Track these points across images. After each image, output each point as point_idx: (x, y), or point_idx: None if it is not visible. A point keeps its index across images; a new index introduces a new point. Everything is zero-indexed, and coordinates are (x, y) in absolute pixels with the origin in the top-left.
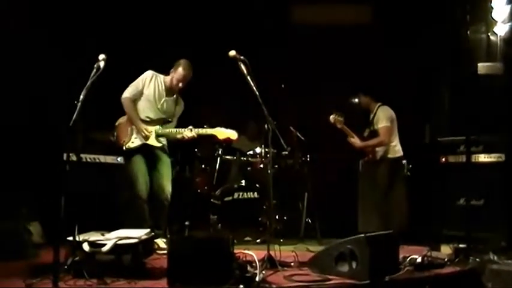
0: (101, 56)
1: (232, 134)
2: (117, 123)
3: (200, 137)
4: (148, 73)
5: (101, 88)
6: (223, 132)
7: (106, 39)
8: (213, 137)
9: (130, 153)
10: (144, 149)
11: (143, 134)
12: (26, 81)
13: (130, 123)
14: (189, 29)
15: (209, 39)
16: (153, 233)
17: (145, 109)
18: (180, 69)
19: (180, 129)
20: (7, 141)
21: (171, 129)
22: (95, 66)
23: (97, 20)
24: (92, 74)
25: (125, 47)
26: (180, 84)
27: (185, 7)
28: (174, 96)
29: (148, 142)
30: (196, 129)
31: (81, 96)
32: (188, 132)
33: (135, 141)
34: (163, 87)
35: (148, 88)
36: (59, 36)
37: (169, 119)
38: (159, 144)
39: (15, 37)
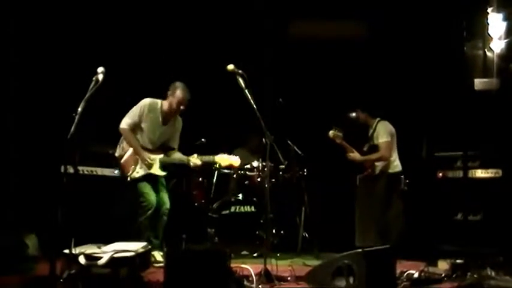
0: (100, 69)
1: (235, 161)
2: (122, 153)
3: (204, 163)
4: (146, 104)
5: (99, 101)
6: (226, 160)
7: (105, 52)
8: (216, 163)
9: (134, 182)
10: (147, 177)
11: (146, 163)
12: (24, 93)
13: (135, 153)
14: (189, 43)
15: (208, 54)
16: (149, 246)
17: (144, 140)
18: (179, 93)
19: (185, 157)
20: (4, 153)
21: (175, 157)
22: (94, 78)
23: (97, 32)
24: (91, 87)
25: (124, 58)
26: (181, 107)
27: (186, 20)
28: (170, 121)
29: (152, 171)
30: (201, 157)
31: (79, 109)
32: (195, 160)
33: (139, 171)
34: (161, 116)
35: (146, 121)
36: (59, 48)
37: (170, 145)
38: (162, 174)
39: (13, 48)
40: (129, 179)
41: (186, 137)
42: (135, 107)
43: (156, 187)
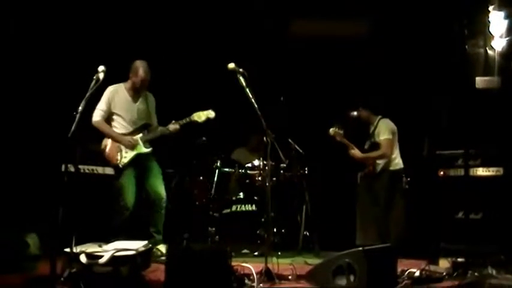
0: (101, 68)
1: (209, 113)
2: (102, 147)
3: (184, 126)
4: (109, 90)
5: (100, 99)
6: (201, 115)
7: (106, 51)
8: (194, 122)
9: (124, 168)
10: (137, 160)
11: (130, 144)
12: (25, 91)
13: (115, 141)
14: (190, 43)
15: (209, 53)
16: (150, 245)
17: (123, 124)
18: (141, 72)
19: (163, 127)
20: (5, 151)
21: (154, 132)
22: (94, 77)
23: (98, 31)
24: (91, 86)
25: (124, 57)
26: (144, 86)
27: (187, 20)
28: (141, 98)
29: (138, 151)
30: (178, 122)
31: (80, 108)
32: (172, 126)
33: (127, 156)
34: (128, 96)
35: (116, 106)
36: (59, 47)
37: (148, 122)
38: (148, 150)
39: (14, 48)
40: (121, 166)
41: (186, 136)
42: (101, 99)
43: (146, 174)
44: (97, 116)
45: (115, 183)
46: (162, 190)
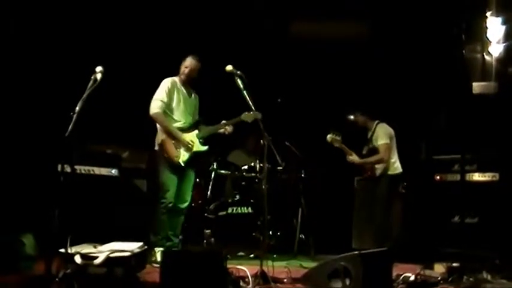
0: (98, 68)
1: (257, 114)
2: (160, 141)
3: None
4: (167, 81)
5: (97, 100)
6: (250, 116)
7: (104, 51)
8: (243, 122)
9: (181, 166)
10: (194, 157)
11: (189, 146)
12: (21, 91)
13: (171, 137)
14: (189, 43)
15: (208, 54)
16: (146, 247)
17: (180, 119)
18: (189, 59)
19: (218, 125)
20: (1, 151)
21: (209, 129)
22: (92, 78)
23: (96, 32)
24: (89, 86)
25: (123, 58)
26: (191, 71)
27: (186, 21)
28: (192, 94)
29: (195, 149)
30: (229, 122)
31: (77, 108)
32: (228, 127)
33: (185, 154)
34: (183, 89)
35: (174, 99)
36: (57, 47)
37: (197, 119)
38: (205, 148)
39: (10, 47)
40: (182, 164)
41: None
42: (158, 90)
43: (182, 176)
44: (157, 107)
45: (158, 178)
46: (188, 196)
